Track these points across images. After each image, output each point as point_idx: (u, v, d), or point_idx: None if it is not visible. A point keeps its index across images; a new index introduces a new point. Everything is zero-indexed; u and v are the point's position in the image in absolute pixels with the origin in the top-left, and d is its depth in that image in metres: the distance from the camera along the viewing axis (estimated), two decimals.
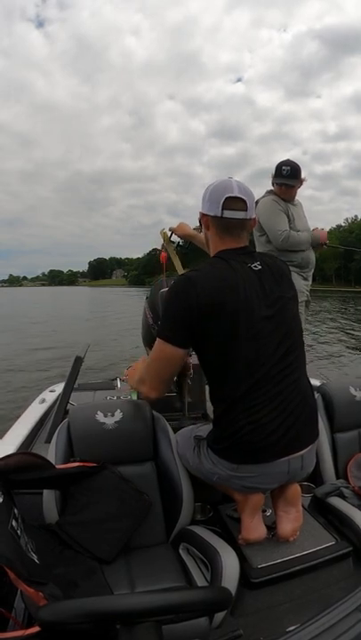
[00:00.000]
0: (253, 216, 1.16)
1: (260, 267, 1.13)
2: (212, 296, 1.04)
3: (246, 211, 1.13)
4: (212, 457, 1.15)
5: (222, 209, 1.11)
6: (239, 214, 1.12)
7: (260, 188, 2.53)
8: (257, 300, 1.08)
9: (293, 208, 2.36)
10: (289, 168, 2.28)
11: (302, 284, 2.34)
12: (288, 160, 2.32)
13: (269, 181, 2.38)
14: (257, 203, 2.41)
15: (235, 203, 1.11)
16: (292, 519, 1.22)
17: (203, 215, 1.18)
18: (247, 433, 1.05)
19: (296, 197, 2.41)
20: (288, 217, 2.30)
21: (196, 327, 1.07)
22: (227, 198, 1.10)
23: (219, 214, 1.12)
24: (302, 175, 2.32)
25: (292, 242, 2.25)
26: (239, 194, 1.11)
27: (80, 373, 2.06)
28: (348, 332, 12.52)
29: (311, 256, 2.37)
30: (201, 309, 1.04)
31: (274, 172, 2.33)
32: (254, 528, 1.19)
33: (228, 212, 1.12)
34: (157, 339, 1.13)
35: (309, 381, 1.18)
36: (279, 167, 2.30)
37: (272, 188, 2.36)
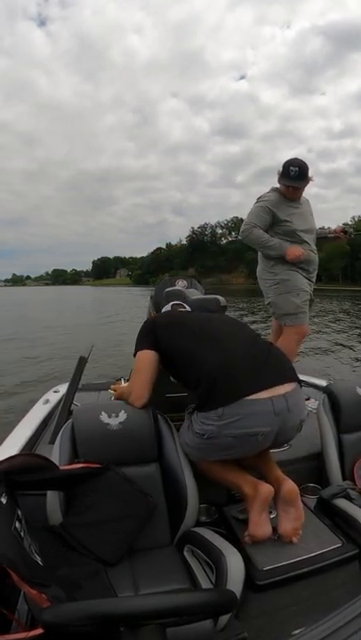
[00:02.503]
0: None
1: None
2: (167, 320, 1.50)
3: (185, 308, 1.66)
4: (200, 417, 1.23)
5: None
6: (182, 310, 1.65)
7: (265, 187, 2.48)
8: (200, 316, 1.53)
9: (295, 209, 2.31)
10: (297, 169, 2.21)
11: (305, 283, 2.32)
12: (296, 159, 2.25)
13: (273, 180, 2.32)
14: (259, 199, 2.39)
15: (179, 307, 1.66)
16: (292, 518, 1.23)
17: None
18: (215, 369, 1.22)
19: (303, 195, 2.37)
20: (278, 219, 2.26)
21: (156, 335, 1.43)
22: (173, 304, 1.67)
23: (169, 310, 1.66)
24: (309, 174, 2.26)
25: (252, 238, 2.28)
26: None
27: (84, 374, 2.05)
28: None
29: (313, 256, 2.35)
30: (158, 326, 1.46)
31: (281, 170, 2.26)
32: (262, 525, 1.20)
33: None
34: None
35: (276, 346, 1.42)
36: (287, 167, 2.22)
37: (278, 185, 2.31)
